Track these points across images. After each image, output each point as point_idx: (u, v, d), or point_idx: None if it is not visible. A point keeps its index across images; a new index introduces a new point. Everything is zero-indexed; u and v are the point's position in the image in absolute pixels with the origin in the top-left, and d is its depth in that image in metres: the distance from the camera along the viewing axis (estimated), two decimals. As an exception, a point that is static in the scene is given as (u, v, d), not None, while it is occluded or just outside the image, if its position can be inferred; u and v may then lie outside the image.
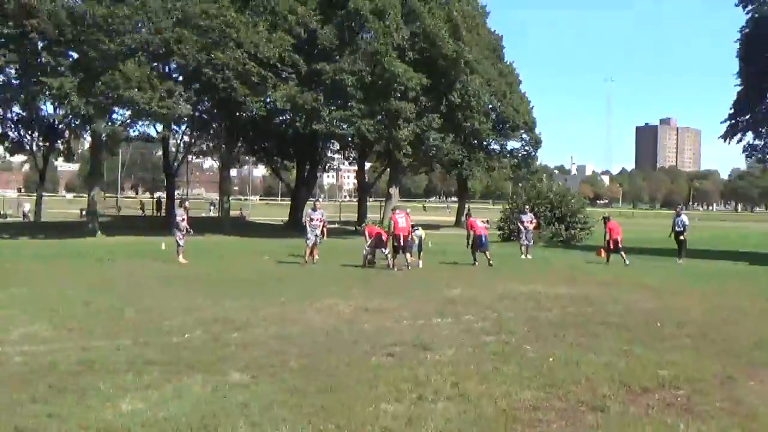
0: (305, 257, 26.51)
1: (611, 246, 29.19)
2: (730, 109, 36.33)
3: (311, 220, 27.17)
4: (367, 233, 26.37)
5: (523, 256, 30.66)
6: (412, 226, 26.15)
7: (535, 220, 33.78)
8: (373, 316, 14.33)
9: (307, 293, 17.53)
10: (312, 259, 26.52)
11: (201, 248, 31.18)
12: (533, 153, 75.53)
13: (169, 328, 12.31)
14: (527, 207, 35.25)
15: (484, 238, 27.44)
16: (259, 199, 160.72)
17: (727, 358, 10.62)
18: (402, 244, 25.19)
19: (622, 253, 28.63)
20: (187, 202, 32.02)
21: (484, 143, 64.74)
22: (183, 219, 27.46)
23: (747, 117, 35.88)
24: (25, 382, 8.64)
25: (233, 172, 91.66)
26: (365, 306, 15.51)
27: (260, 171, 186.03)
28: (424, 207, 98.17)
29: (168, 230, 31.13)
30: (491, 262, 26.44)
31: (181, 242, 26.82)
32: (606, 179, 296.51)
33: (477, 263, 26.62)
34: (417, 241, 26.20)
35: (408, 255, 25.08)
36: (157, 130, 51.93)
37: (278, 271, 23.77)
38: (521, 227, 32.22)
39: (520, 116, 68.82)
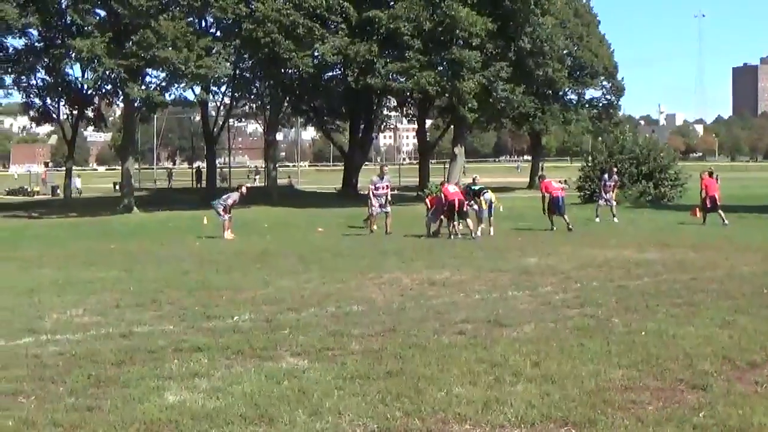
0: (370, 227, 27.01)
1: (708, 204, 28.85)
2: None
3: (376, 188, 27.31)
4: (428, 202, 26.70)
5: (597, 219, 30.46)
6: (481, 189, 26.09)
7: (618, 181, 33.75)
8: (441, 290, 14.34)
9: (366, 267, 17.61)
10: (376, 227, 26.84)
11: (247, 221, 31.43)
12: (615, 102, 75.13)
13: (216, 311, 12.43)
14: (615, 169, 34.61)
15: (561, 201, 27.34)
16: (309, 165, 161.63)
17: None
18: (457, 210, 24.96)
19: (720, 212, 28.25)
20: (244, 188, 30.63)
21: (560, 93, 64.40)
22: (235, 202, 27.37)
23: None
24: (65, 372, 8.77)
25: (279, 136, 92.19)
26: (432, 279, 15.55)
27: (309, 134, 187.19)
28: (464, 172, 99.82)
29: (208, 203, 30.88)
30: (571, 226, 26.32)
31: (226, 218, 26.89)
32: (699, 129, 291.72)
33: (555, 228, 26.53)
34: (487, 207, 26.12)
35: (469, 221, 25.01)
36: (194, 93, 52.43)
37: (333, 244, 23.89)
38: (602, 190, 32.02)
39: (599, 61, 68.34)
